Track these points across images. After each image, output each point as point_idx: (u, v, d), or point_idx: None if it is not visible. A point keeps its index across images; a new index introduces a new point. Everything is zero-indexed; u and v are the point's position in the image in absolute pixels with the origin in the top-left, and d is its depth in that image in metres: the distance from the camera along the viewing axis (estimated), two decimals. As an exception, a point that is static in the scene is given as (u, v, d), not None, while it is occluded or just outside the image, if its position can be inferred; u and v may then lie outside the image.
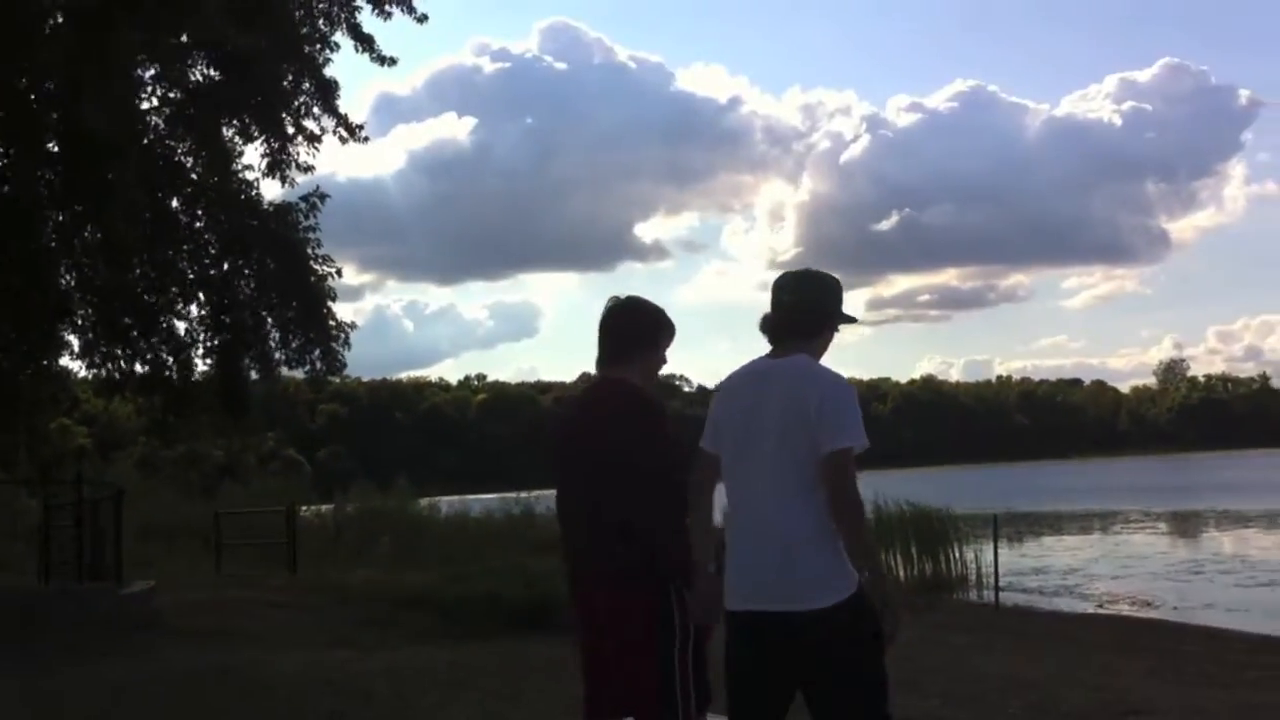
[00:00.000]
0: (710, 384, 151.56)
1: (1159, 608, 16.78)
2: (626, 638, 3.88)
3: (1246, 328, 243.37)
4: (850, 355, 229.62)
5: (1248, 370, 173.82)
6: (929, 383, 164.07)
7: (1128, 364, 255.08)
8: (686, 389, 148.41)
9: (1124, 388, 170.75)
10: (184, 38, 13.78)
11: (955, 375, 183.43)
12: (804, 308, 3.99)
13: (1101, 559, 23.91)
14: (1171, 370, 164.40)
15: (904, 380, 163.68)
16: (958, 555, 19.43)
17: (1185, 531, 31.72)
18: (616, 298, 4.31)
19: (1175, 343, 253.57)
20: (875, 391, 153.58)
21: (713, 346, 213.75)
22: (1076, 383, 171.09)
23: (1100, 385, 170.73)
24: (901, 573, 18.86)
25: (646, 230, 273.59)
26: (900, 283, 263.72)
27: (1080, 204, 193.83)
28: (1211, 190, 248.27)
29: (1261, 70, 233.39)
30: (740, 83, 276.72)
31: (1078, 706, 7.73)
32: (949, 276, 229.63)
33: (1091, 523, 33.57)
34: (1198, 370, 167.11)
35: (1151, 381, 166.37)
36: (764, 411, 3.83)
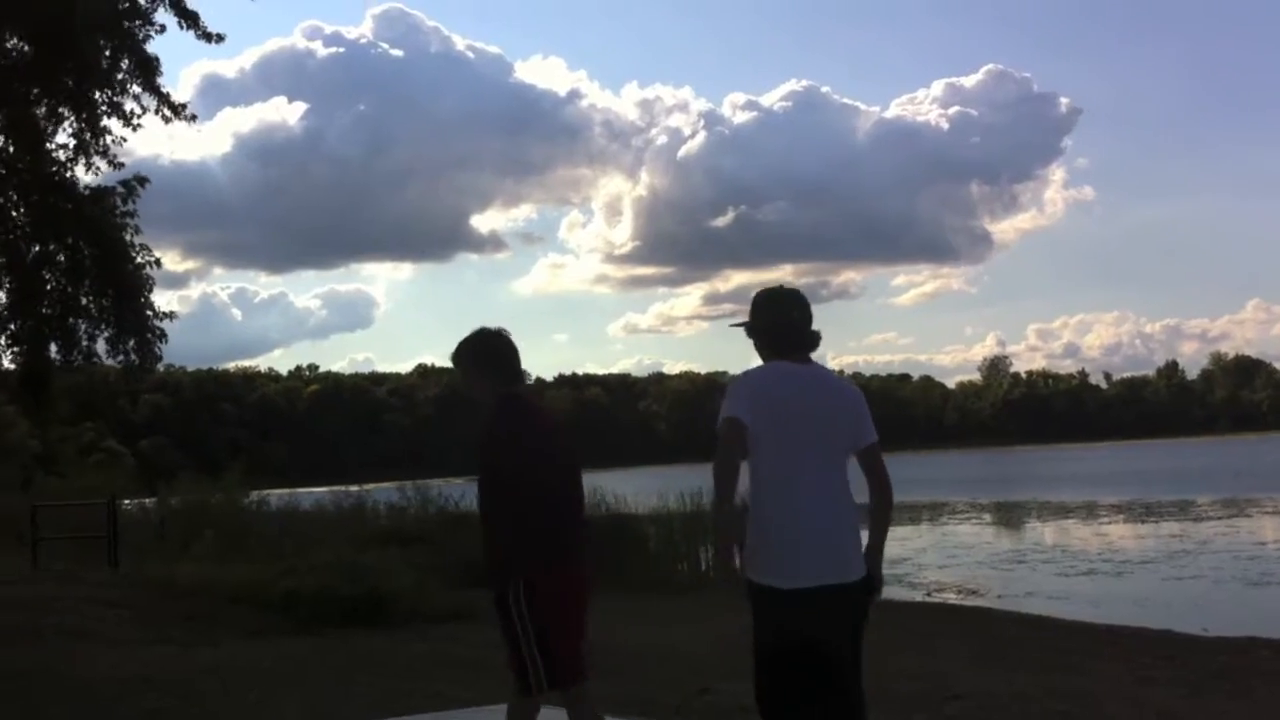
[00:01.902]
0: (548, 375, 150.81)
1: (984, 596, 17.30)
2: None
3: (1065, 325, 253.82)
4: (690, 349, 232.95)
5: (1067, 367, 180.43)
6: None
7: (953, 360, 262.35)
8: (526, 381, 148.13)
9: (950, 383, 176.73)
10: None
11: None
12: (809, 324, 4.46)
13: (929, 549, 24.57)
14: (995, 366, 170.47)
15: (739, 371, 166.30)
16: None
17: (1009, 522, 32.86)
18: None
19: (998, 339, 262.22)
20: (714, 384, 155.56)
21: (550, 338, 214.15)
22: (905, 378, 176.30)
23: (928, 380, 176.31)
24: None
25: (483, 221, 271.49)
26: (736, 278, 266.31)
27: (908, 204, 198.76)
28: (1033, 193, 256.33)
29: (1081, 78, 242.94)
30: (579, 76, 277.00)
31: (901, 693, 7.87)
32: (784, 273, 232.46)
33: (920, 513, 34.47)
34: (1020, 366, 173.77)
35: (976, 377, 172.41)
36: (821, 407, 4.27)
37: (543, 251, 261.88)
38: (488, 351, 4.90)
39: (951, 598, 17.29)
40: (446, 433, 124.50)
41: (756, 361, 4.51)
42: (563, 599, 4.58)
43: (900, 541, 26.46)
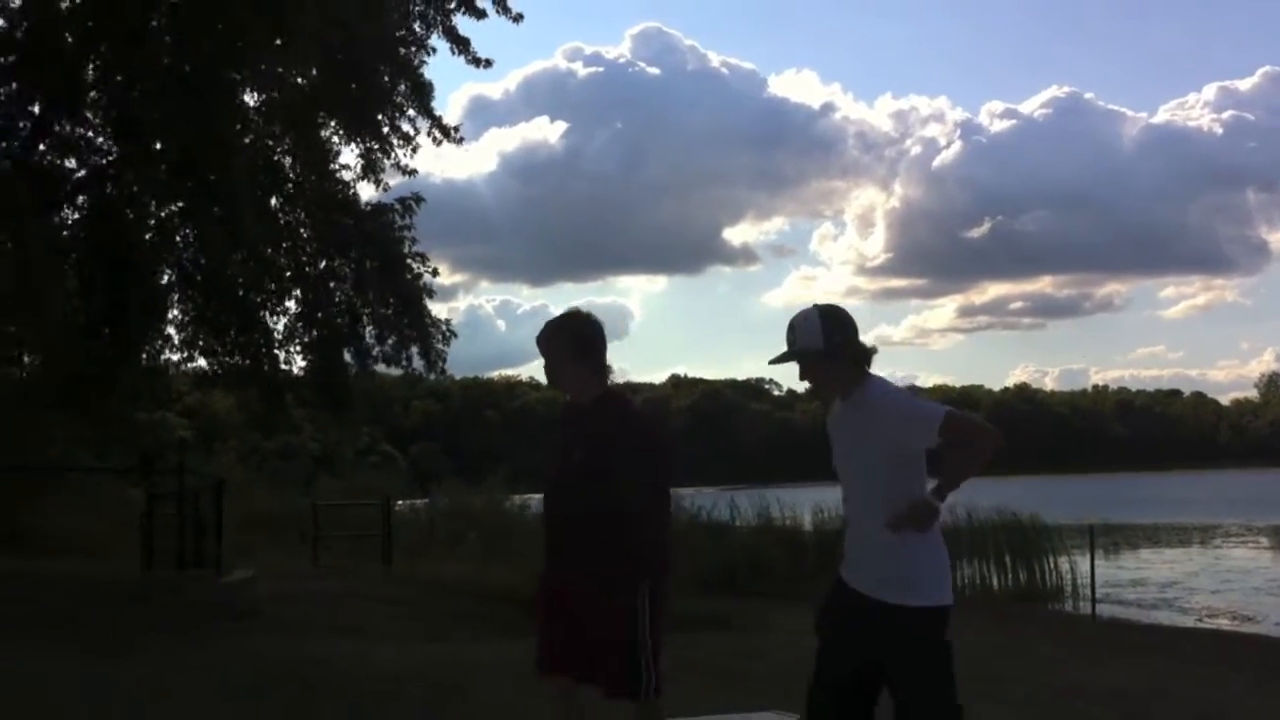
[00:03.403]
0: (799, 388, 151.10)
1: (1260, 623, 16.36)
2: None
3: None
4: (941, 362, 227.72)
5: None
6: (1022, 391, 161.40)
7: (1228, 376, 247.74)
8: (776, 392, 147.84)
9: (1224, 400, 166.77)
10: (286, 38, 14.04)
11: (1050, 384, 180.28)
12: None
13: (1201, 572, 23.34)
14: (1274, 383, 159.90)
15: (996, 389, 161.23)
16: (1052, 565, 19.11)
17: (1288, 546, 30.86)
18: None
19: (1277, 355, 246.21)
20: (967, 399, 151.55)
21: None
22: (1175, 394, 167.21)
23: (1200, 397, 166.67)
24: (995, 582, 18.62)
25: (735, 234, 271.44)
26: (992, 290, 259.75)
27: (1178, 213, 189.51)
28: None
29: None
30: (833, 89, 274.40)
31: (1172, 720, 7.57)
32: (1043, 284, 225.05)
33: (1190, 536, 32.77)
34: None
35: (1253, 394, 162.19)
36: None
37: (794, 264, 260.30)
38: (593, 337, 4.50)
39: (1225, 624, 16.41)
40: (699, 442, 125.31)
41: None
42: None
43: (1169, 564, 25.29)
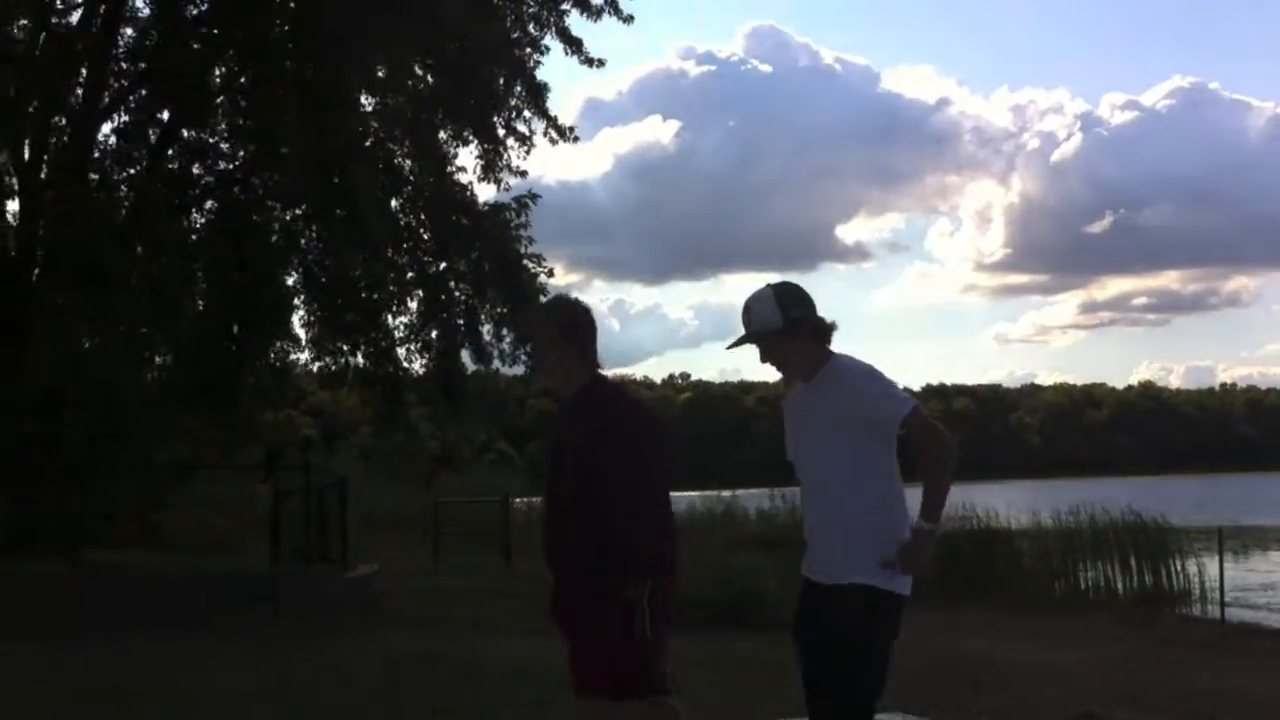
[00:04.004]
0: (915, 385, 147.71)
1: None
2: None
3: None
4: (1062, 360, 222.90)
5: None
6: (1147, 389, 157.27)
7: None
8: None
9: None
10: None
11: (1175, 382, 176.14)
12: None
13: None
14: None
15: (1120, 386, 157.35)
16: (1179, 568, 18.58)
17: None
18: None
19: None
20: (1089, 398, 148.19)
21: (917, 348, 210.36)
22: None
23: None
24: (1120, 584, 18.18)
25: (848, 231, 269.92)
26: (1114, 285, 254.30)
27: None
28: None
29: None
30: (948, 83, 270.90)
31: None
32: (1167, 279, 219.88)
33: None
34: None
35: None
36: None
37: (909, 260, 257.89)
38: (580, 322, 4.26)
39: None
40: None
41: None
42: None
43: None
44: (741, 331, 4.07)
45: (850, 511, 3.90)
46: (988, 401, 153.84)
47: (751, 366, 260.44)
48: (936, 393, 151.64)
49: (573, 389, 4.23)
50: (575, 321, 4.24)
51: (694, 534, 20.08)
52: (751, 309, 4.04)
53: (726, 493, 26.25)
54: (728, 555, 14.70)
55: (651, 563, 4.08)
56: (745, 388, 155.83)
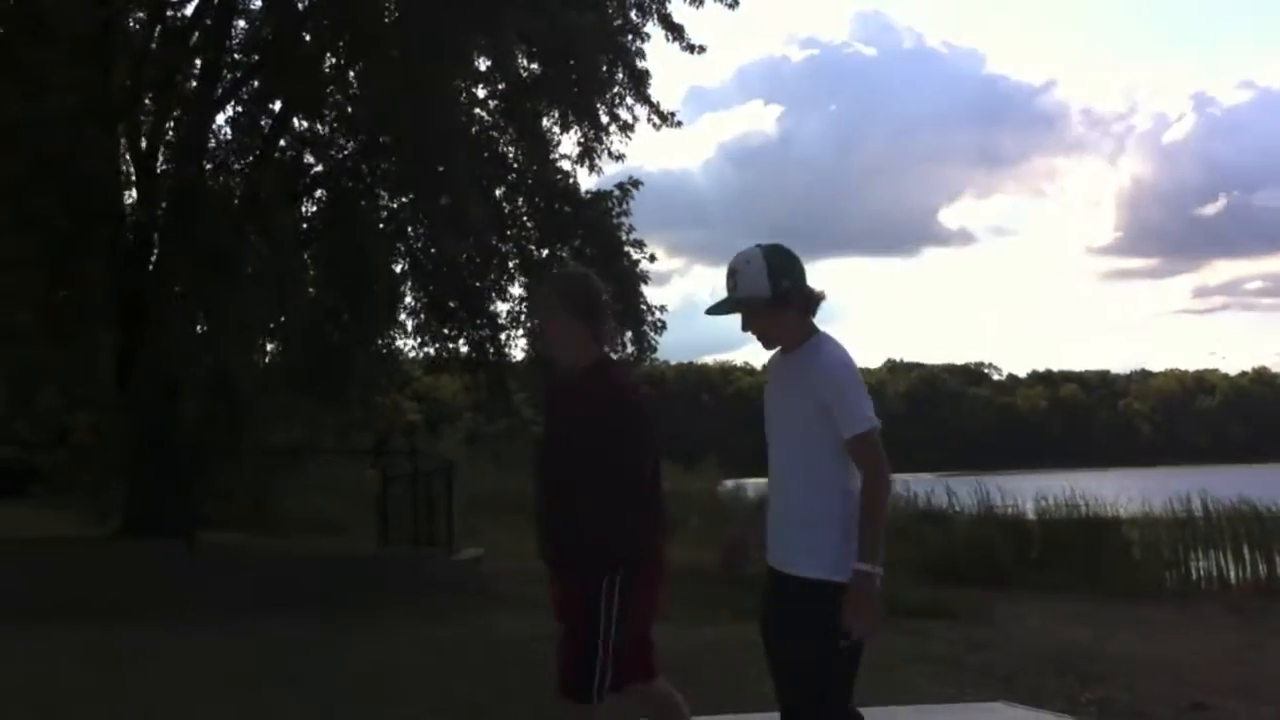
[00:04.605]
0: (1020, 372, 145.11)
1: None
2: None
3: None
4: (1174, 344, 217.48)
5: None
6: (1261, 375, 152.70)
7: None
8: (997, 377, 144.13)
9: None
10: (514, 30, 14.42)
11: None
12: None
13: None
14: None
15: (1233, 373, 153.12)
16: (1297, 558, 18.10)
17: None
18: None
19: None
20: (1201, 384, 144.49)
21: (1023, 333, 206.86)
22: None
23: None
24: (1232, 574, 17.76)
25: (952, 215, 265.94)
26: (1227, 269, 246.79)
27: None
28: None
29: None
30: (1056, 64, 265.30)
31: None
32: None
33: None
34: None
35: None
36: None
37: (1015, 245, 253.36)
38: (596, 298, 4.06)
39: None
40: (915, 427, 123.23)
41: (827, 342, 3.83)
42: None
43: None
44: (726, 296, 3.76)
45: (805, 498, 3.64)
46: (1095, 388, 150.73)
47: (855, 353, 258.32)
48: (1042, 379, 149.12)
49: (575, 366, 4.01)
50: (587, 296, 4.03)
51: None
52: (738, 272, 3.71)
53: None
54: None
55: (649, 553, 3.97)
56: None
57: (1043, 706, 6.88)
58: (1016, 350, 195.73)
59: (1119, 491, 21.62)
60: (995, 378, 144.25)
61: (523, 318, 17.22)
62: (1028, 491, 19.84)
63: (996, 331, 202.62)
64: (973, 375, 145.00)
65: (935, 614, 11.57)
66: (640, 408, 4.01)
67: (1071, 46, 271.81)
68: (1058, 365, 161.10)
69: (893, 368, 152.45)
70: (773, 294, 3.67)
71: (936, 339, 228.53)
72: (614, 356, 4.20)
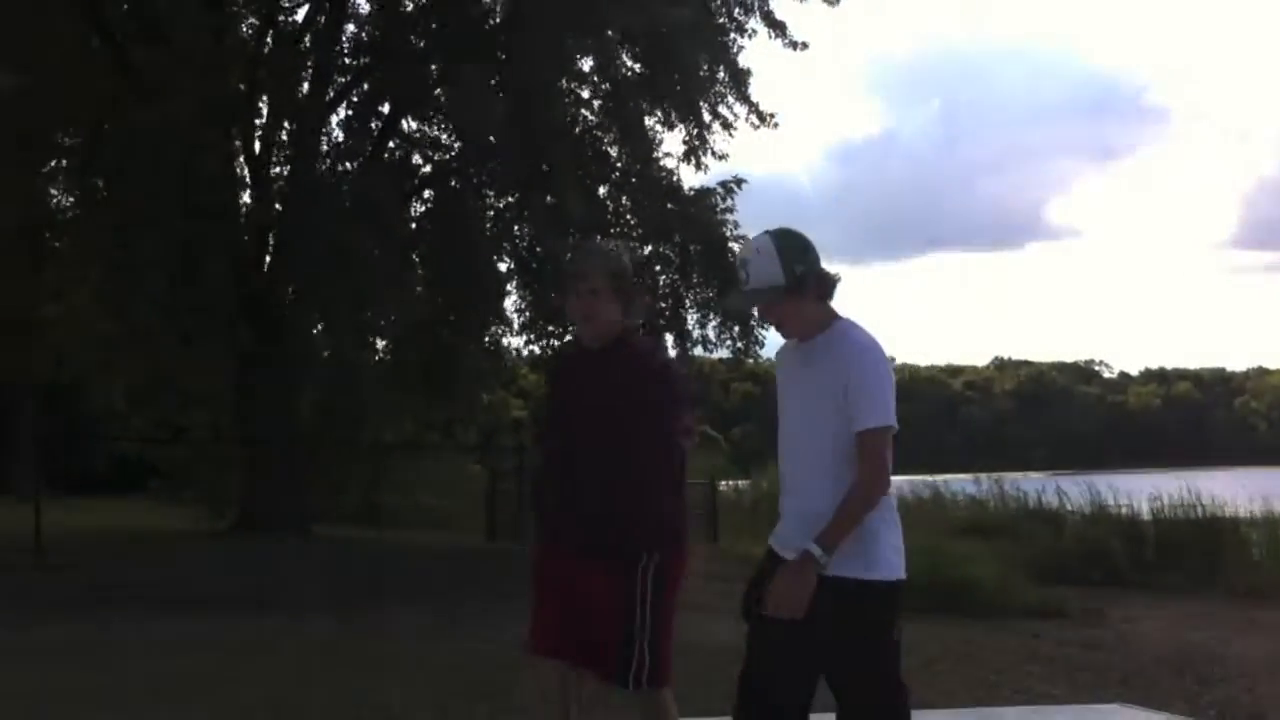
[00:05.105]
0: (1132, 370, 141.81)
1: None
2: None
3: None
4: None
5: None
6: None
7: None
8: (1107, 374, 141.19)
9: None
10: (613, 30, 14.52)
11: None
12: None
13: None
14: None
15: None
16: None
17: None
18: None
19: None
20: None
21: (1135, 330, 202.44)
22: None
23: None
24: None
25: (1058, 210, 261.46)
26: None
27: None
28: None
29: None
30: (1160, 57, 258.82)
31: None
32: None
33: None
34: None
35: None
36: None
37: (1126, 239, 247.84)
38: (630, 272, 3.96)
39: None
40: (1025, 426, 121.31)
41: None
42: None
43: None
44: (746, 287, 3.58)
45: (834, 494, 3.45)
46: (1211, 385, 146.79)
47: (961, 350, 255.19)
48: (1156, 377, 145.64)
49: (599, 342, 3.88)
50: (627, 269, 3.93)
51: (904, 521, 19.83)
52: (750, 262, 3.54)
53: (934, 478, 25.82)
54: (938, 541, 14.48)
55: (674, 536, 3.90)
56: (952, 371, 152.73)
57: (1161, 708, 6.74)
58: (1128, 347, 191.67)
59: (1236, 490, 21.06)
60: (1106, 375, 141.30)
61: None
62: (1141, 491, 19.43)
63: (1106, 328, 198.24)
64: (1083, 373, 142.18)
65: (1047, 614, 11.40)
66: (679, 385, 3.90)
67: (1183, 35, 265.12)
68: (1171, 363, 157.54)
69: (1000, 365, 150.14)
70: (787, 281, 3.47)
71: (1044, 336, 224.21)
72: (633, 332, 4.00)
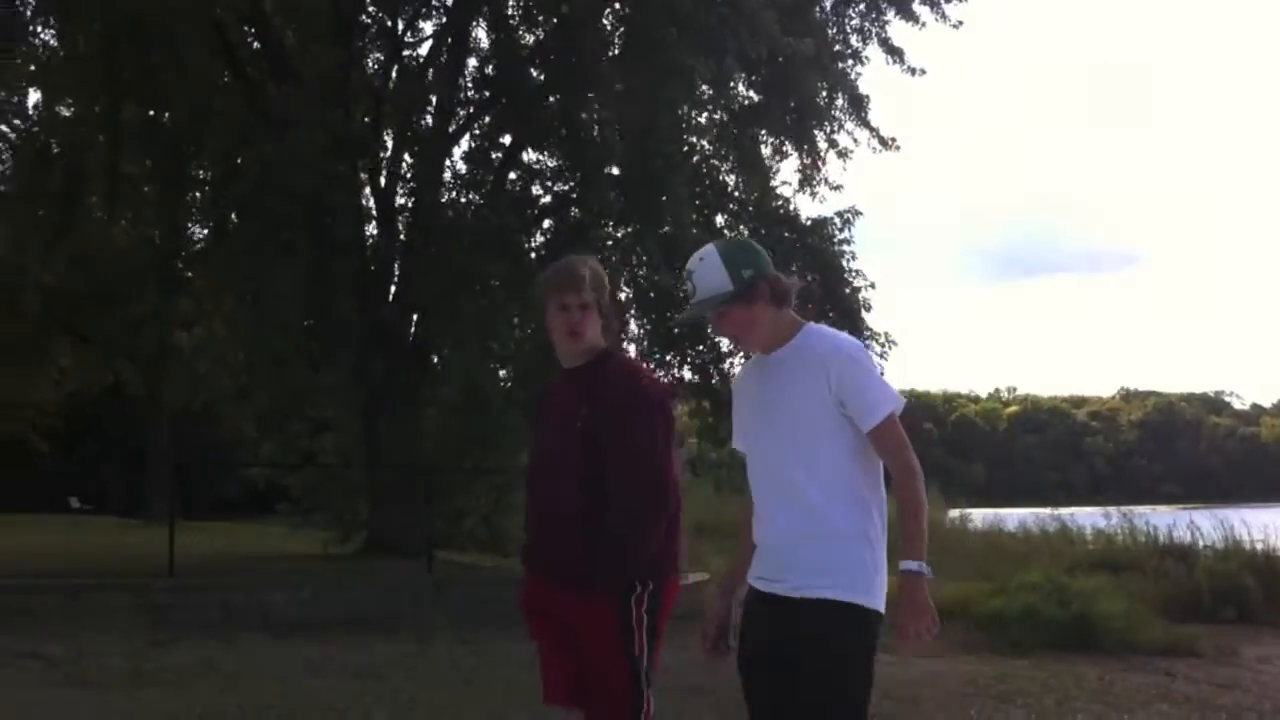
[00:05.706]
0: (1264, 402, 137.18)
1: None
2: None
3: None
4: None
5: None
6: None
7: None
8: (1238, 405, 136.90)
9: None
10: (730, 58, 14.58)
11: None
12: None
13: None
14: None
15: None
16: None
17: None
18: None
19: None
20: None
21: (1267, 358, 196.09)
22: None
23: None
24: None
25: (1181, 233, 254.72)
26: None
27: None
28: None
29: None
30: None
31: None
32: None
33: None
34: None
35: None
36: None
37: (1258, 266, 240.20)
38: (606, 282, 3.79)
39: None
40: (1152, 459, 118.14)
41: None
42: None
43: None
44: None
45: (825, 511, 3.28)
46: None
47: (1084, 380, 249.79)
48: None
49: (580, 360, 3.76)
50: (606, 285, 3.79)
51: (1029, 554, 19.43)
52: (694, 272, 3.38)
53: (1060, 510, 25.24)
54: (1067, 576, 14.16)
55: (665, 563, 3.73)
56: (1076, 402, 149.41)
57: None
58: (1260, 378, 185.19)
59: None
60: (1237, 406, 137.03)
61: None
62: (1276, 526, 18.82)
63: (1237, 358, 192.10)
64: (1213, 404, 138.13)
65: (1179, 652, 11.09)
66: (668, 403, 3.73)
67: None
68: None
69: (1127, 396, 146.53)
70: (736, 286, 3.32)
71: (1174, 365, 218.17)
72: (616, 348, 3.93)
